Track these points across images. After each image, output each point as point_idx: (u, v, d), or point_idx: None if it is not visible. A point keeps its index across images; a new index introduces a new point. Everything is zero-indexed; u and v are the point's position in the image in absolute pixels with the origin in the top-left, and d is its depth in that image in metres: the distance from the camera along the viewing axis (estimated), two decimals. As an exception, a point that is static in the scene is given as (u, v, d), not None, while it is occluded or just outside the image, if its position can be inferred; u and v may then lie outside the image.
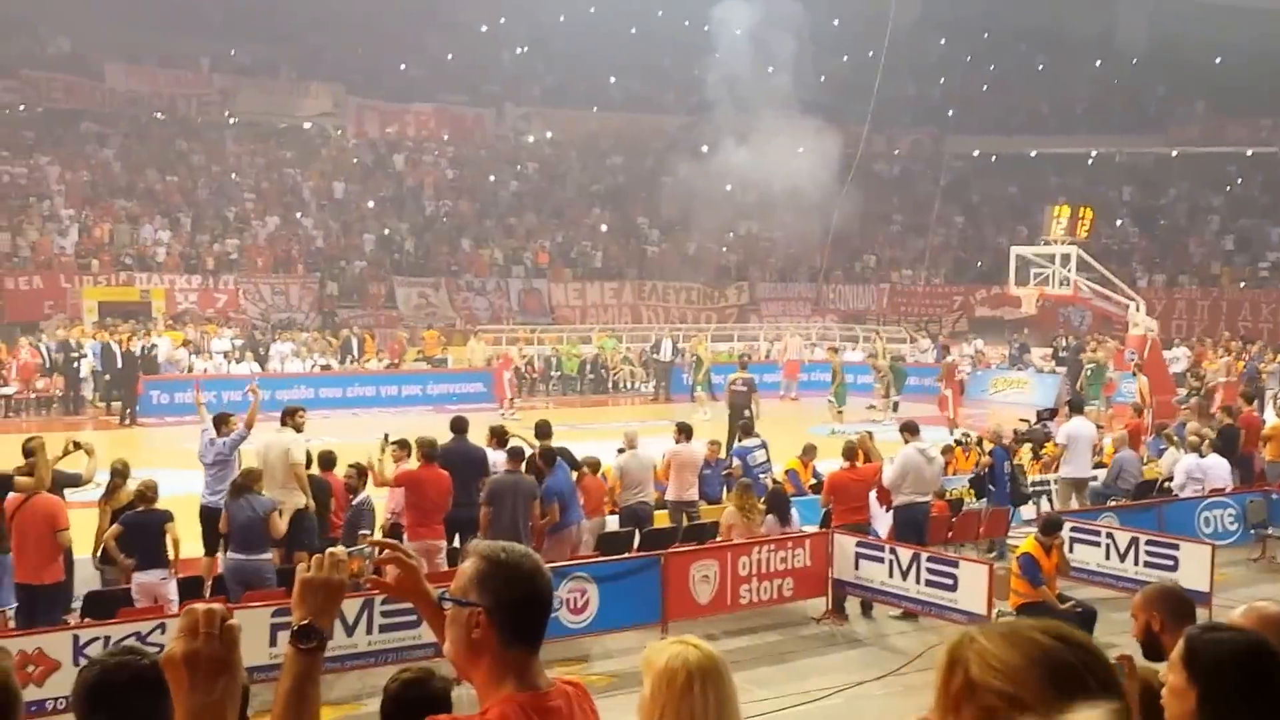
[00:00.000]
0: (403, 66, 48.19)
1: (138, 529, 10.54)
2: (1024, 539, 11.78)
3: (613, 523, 13.77)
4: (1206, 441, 16.65)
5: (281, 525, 11.09)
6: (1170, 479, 16.34)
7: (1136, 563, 12.75)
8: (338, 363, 31.34)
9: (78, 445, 11.81)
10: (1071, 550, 12.40)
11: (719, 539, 12.89)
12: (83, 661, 8.54)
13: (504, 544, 2.74)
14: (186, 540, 11.11)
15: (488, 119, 48.60)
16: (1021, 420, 20.72)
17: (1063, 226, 29.94)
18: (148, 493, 10.81)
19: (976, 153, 51.52)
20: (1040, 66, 52.66)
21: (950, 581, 11.45)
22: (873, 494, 13.33)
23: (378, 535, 11.45)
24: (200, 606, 1.90)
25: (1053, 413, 21.79)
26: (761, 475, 15.18)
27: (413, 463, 12.44)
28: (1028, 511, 15.67)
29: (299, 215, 40.82)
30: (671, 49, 43.75)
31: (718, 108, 37.13)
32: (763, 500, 13.40)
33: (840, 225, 41.67)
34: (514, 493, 11.89)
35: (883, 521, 13.35)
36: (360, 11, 44.09)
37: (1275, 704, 2.58)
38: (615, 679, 10.11)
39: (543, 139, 49.21)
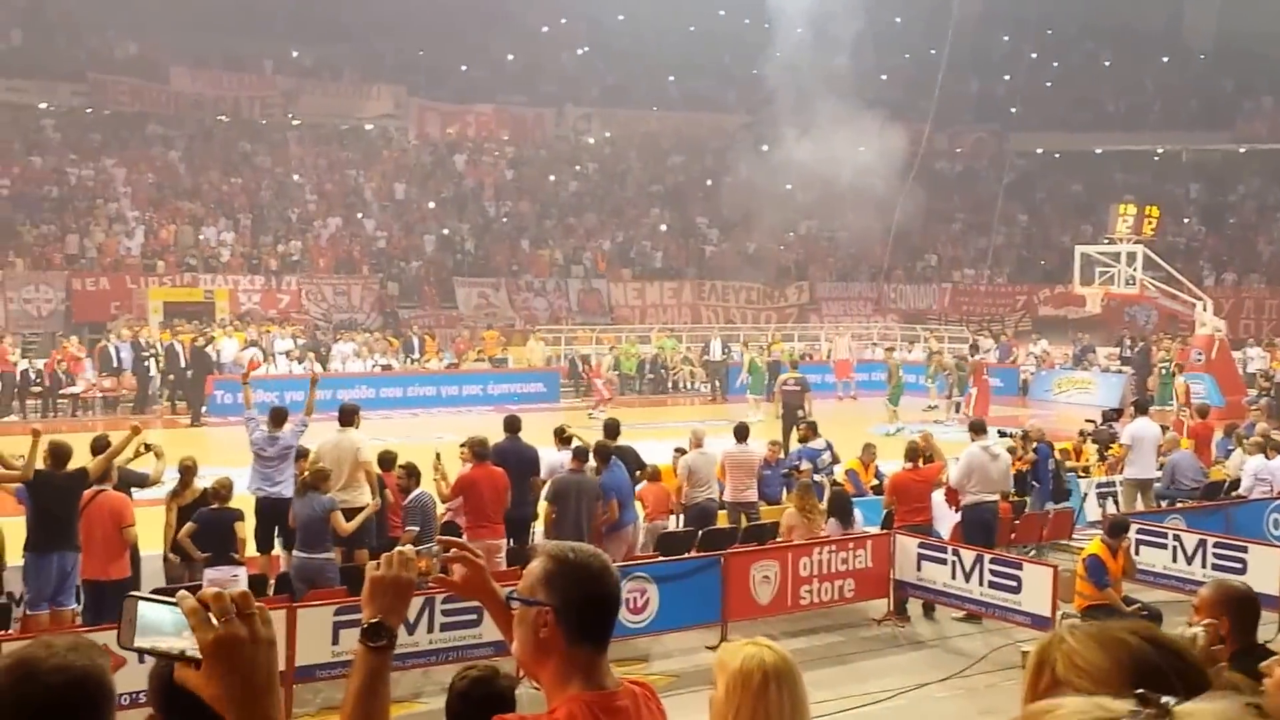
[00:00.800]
0: (464, 68, 48.48)
1: (211, 526, 10.72)
2: (1089, 541, 11.62)
3: (675, 522, 13.74)
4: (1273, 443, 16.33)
5: (345, 525, 11.14)
6: (1239, 480, 16.04)
7: (1204, 565, 12.51)
8: (398, 363, 31.57)
9: (149, 447, 12.00)
10: (1138, 552, 12.21)
11: (779, 540, 12.82)
12: (147, 658, 8.63)
13: (572, 543, 2.75)
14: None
15: (548, 119, 48.75)
16: (1088, 421, 20.43)
17: (1129, 225, 29.60)
18: (221, 490, 10.95)
19: (1040, 150, 50.93)
20: (1106, 63, 51.91)
21: (1014, 583, 11.30)
22: (937, 495, 13.21)
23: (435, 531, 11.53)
24: (210, 591, 1.88)
25: (1118, 413, 21.48)
26: (825, 477, 15.09)
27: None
28: (1093, 513, 15.47)
29: (360, 216, 41.18)
30: (731, 47, 43.63)
31: (778, 106, 36.99)
32: (824, 503, 13.32)
33: (902, 224, 41.41)
34: (578, 492, 11.90)
35: (946, 523, 13.21)
36: (422, 13, 44.36)
37: None
38: (675, 679, 10.09)
39: (602, 139, 49.29)
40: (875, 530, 13.24)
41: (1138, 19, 49.17)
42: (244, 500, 12.06)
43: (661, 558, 11.94)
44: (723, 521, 13.86)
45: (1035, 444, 15.34)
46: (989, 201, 47.58)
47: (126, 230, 36.19)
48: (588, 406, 28.43)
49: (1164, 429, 18.54)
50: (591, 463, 12.38)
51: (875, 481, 15.65)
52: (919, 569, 12.11)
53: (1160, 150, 49.83)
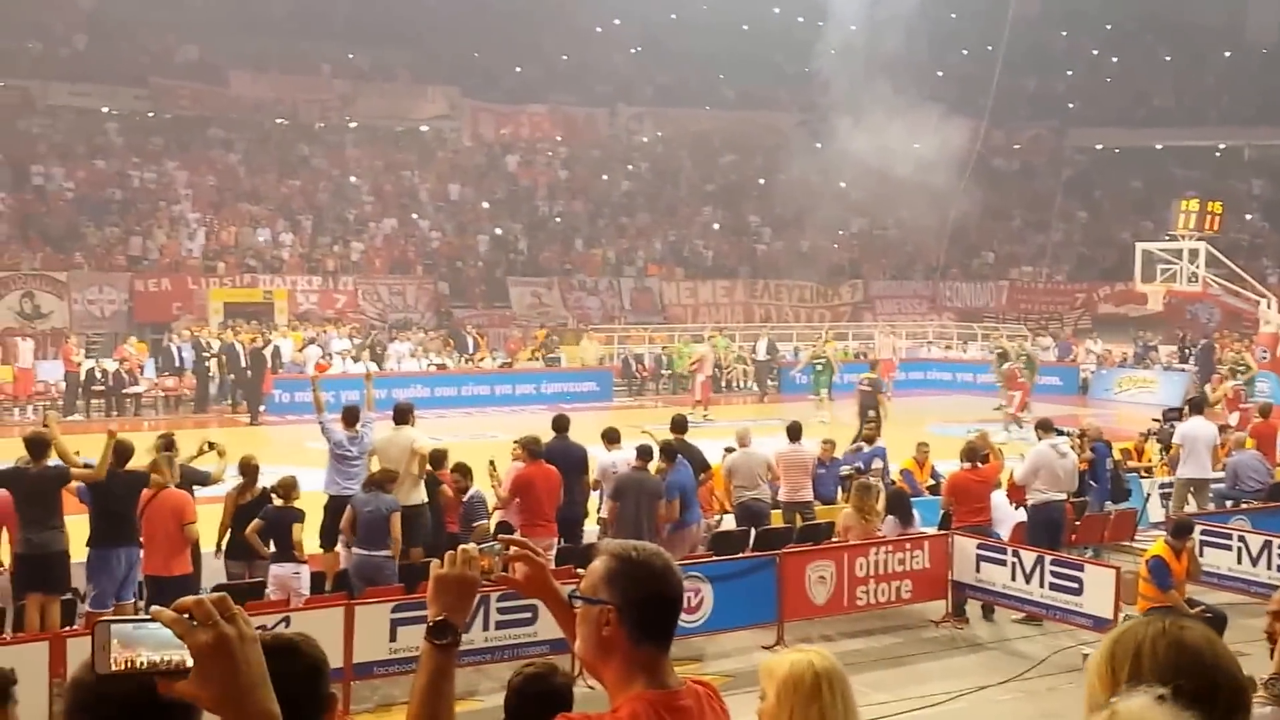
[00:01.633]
0: (517, 69, 48.68)
1: (275, 523, 10.87)
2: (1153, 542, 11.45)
3: (727, 522, 13.71)
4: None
5: (398, 531, 11.18)
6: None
7: (1269, 567, 12.30)
8: (453, 362, 31.74)
9: (211, 446, 12.15)
10: (1202, 553, 12.01)
11: (835, 539, 12.75)
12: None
13: (635, 542, 2.74)
14: (308, 536, 11.31)
15: (600, 119, 48.85)
16: (1155, 420, 20.12)
17: (1191, 221, 29.17)
18: (283, 489, 11.06)
19: (1100, 146, 50.30)
20: (1166, 58, 51.19)
21: (1075, 585, 11.15)
22: (997, 495, 13.07)
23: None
24: (188, 600, 1.89)
25: (1179, 412, 21.16)
26: (877, 478, 14.98)
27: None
28: (1156, 514, 15.25)
29: (416, 217, 41.45)
30: (784, 45, 43.46)
31: (831, 103, 36.80)
32: (880, 503, 13.22)
33: (958, 221, 41.08)
34: (639, 491, 11.90)
35: (1006, 524, 13.07)
36: (476, 15, 44.61)
37: None
38: (730, 679, 10.04)
39: (655, 138, 49.30)
40: (932, 531, 13.12)
41: (1198, 13, 48.45)
42: (312, 498, 12.19)
43: (716, 557, 11.91)
44: (778, 521, 13.80)
45: (1093, 443, 15.12)
46: (1047, 198, 47.07)
47: (188, 232, 36.66)
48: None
49: (1223, 428, 18.28)
50: (656, 462, 12.39)
51: (931, 481, 15.53)
52: (978, 570, 11.99)
53: (1222, 146, 49.06)
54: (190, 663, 1.82)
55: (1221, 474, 16.00)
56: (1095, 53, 51.22)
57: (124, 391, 27.44)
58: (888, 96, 34.05)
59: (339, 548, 11.97)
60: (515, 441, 12.66)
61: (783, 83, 47.53)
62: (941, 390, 31.01)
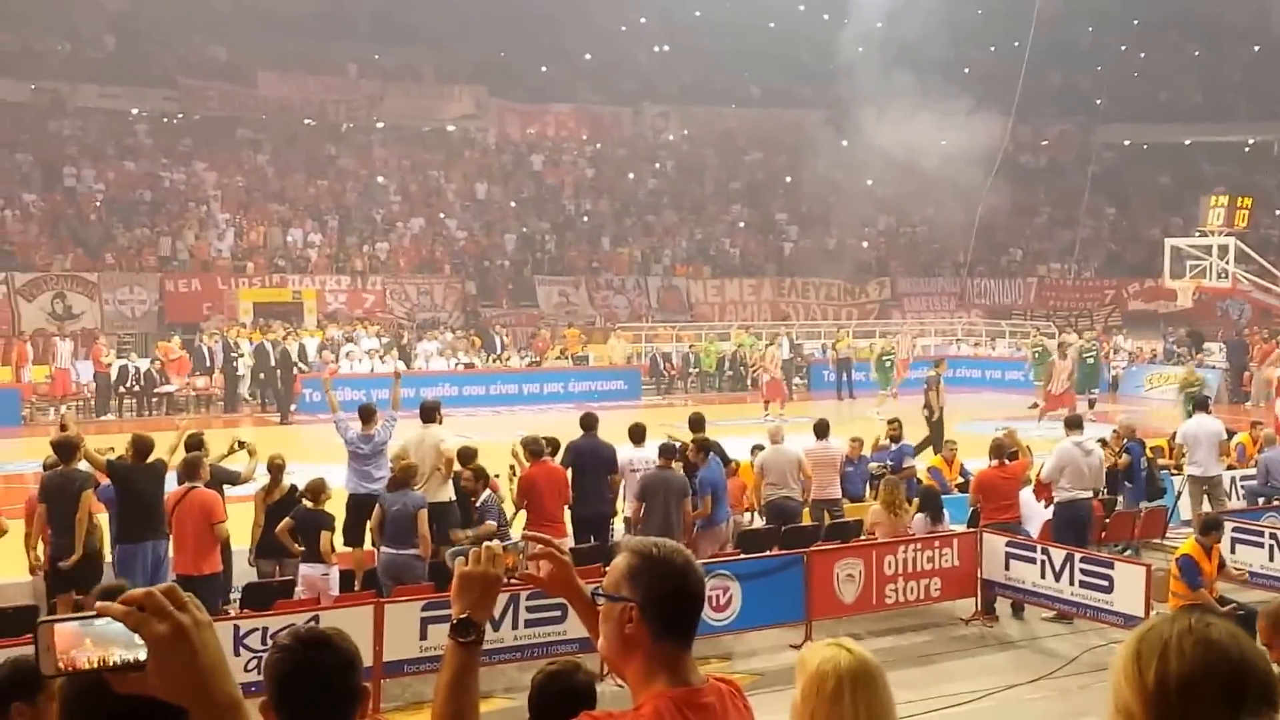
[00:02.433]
0: (543, 68, 48.75)
1: (306, 524, 10.93)
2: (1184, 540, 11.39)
3: (756, 520, 13.69)
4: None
5: (426, 529, 11.24)
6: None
7: (1302, 565, 12.22)
8: (481, 361, 31.83)
9: (242, 444, 12.23)
10: (1233, 551, 11.95)
11: (864, 537, 12.72)
12: (242, 651, 8.81)
13: (656, 539, 2.74)
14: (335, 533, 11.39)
15: (626, 118, 48.86)
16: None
17: (1220, 217, 28.95)
18: (314, 491, 11.12)
19: (1127, 142, 49.96)
20: (1194, 53, 50.79)
21: (1106, 583, 11.09)
22: (1025, 492, 13.01)
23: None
24: (136, 592, 1.88)
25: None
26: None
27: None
28: (1187, 512, 15.14)
29: (443, 216, 41.57)
30: (810, 43, 43.36)
31: (857, 100, 36.72)
32: (911, 500, 13.19)
33: (985, 218, 40.87)
34: (665, 489, 11.90)
35: (1035, 521, 13.01)
36: (501, 15, 44.71)
37: None
38: (759, 677, 10.05)
39: (680, 136, 49.27)
40: (961, 528, 13.07)
41: (1225, 8, 48.02)
42: (336, 496, 12.26)
43: (744, 555, 11.90)
44: (805, 519, 13.78)
45: (1127, 443, 15.02)
46: (1075, 194, 46.78)
47: (217, 232, 36.89)
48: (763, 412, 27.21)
49: (1254, 425, 18.12)
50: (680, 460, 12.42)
51: (960, 479, 15.47)
52: (1007, 568, 11.94)
53: (1251, 141, 48.65)
54: (143, 656, 1.76)
55: (1227, 471, 15.90)
56: (1122, 48, 50.85)
57: (155, 390, 27.63)
58: (914, 93, 33.96)
59: (369, 546, 12.04)
60: (520, 443, 12.70)
61: (808, 80, 47.43)
62: (970, 388, 30.84)
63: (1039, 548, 11.92)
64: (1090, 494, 12.85)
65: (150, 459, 10.74)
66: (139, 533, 10.48)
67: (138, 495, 10.56)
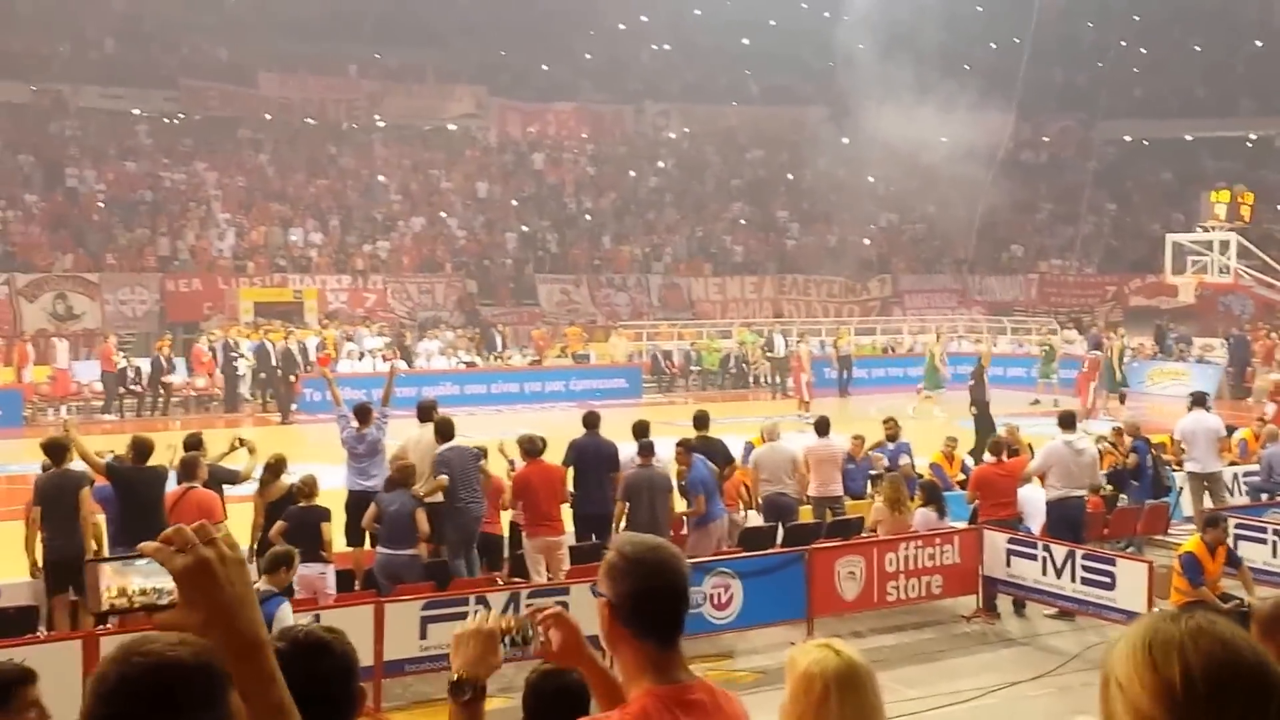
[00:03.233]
0: (544, 67, 48.73)
1: (300, 523, 10.86)
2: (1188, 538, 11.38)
3: (755, 518, 13.68)
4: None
5: (425, 526, 11.24)
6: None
7: (1305, 561, 12.20)
8: (482, 360, 31.82)
9: (243, 443, 12.21)
10: (1236, 547, 11.91)
11: (865, 534, 12.70)
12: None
13: (639, 536, 2.76)
14: (335, 532, 11.36)
15: (627, 116, 48.85)
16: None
17: (1222, 212, 28.91)
18: (306, 488, 11.11)
19: (1129, 138, 49.91)
20: (1196, 48, 50.70)
21: (1108, 579, 11.06)
22: (1025, 489, 12.97)
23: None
24: (169, 530, 1.92)
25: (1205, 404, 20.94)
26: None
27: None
28: (1189, 508, 15.12)
29: (444, 215, 41.57)
30: (811, 40, 43.33)
31: (858, 98, 36.69)
32: (916, 495, 13.16)
33: (986, 215, 40.86)
34: (649, 487, 11.89)
35: (1036, 519, 12.97)
36: (502, 14, 44.70)
37: None
38: (761, 675, 10.04)
39: (682, 134, 49.25)
40: (962, 525, 13.05)
41: (1227, 2, 47.97)
42: (337, 495, 12.26)
43: (745, 553, 11.88)
44: (807, 517, 13.76)
45: (1133, 441, 14.97)
46: (1076, 190, 46.76)
47: (218, 232, 36.88)
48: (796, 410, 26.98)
49: (1260, 420, 18.09)
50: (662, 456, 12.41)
51: (961, 475, 15.45)
52: (1008, 565, 11.92)
53: (1253, 136, 48.58)
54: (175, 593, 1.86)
55: (1226, 467, 15.87)
56: (1123, 44, 50.79)
57: (163, 380, 27.52)
58: (914, 90, 33.94)
59: (366, 545, 12.04)
60: (516, 441, 12.68)
61: (809, 78, 47.42)
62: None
63: (1040, 544, 11.89)
64: (1082, 492, 12.78)
65: (151, 461, 10.72)
66: (138, 535, 10.41)
67: (137, 498, 10.51)
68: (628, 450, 12.97)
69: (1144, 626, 1.79)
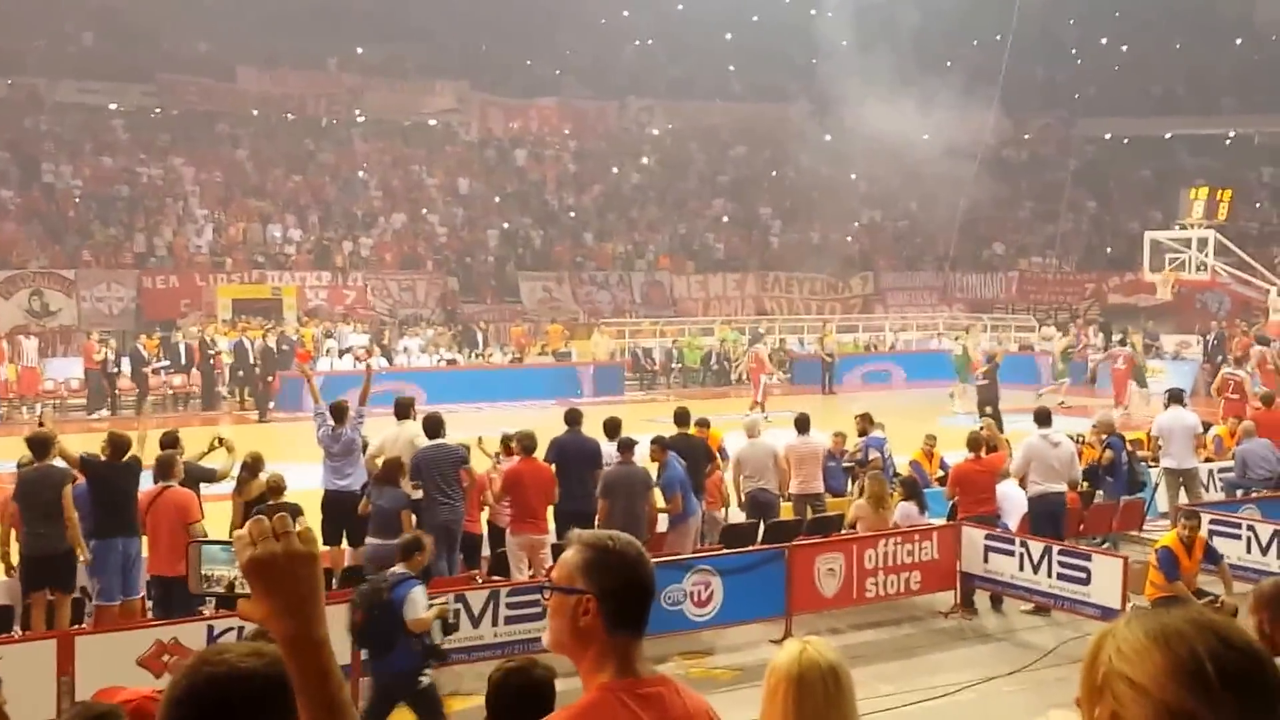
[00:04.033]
0: (527, 62, 48.65)
1: None
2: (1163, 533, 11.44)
3: (737, 515, 13.69)
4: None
5: (410, 525, 11.22)
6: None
7: (1279, 557, 12.28)
8: (464, 357, 31.74)
9: (221, 441, 12.16)
10: (1210, 542, 11.97)
11: (845, 531, 12.73)
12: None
13: (609, 532, 2.77)
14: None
15: (610, 112, 48.81)
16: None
17: (1200, 210, 29.01)
18: (275, 486, 11.07)
19: (1109, 135, 50.15)
20: (1176, 46, 50.93)
21: (1083, 575, 11.13)
22: (1003, 485, 13.02)
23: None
24: (251, 520, 1.99)
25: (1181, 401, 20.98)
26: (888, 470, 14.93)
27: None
28: (1163, 504, 15.20)
29: (425, 212, 41.47)
30: (795, 37, 43.37)
31: (841, 95, 36.72)
32: (894, 490, 13.18)
33: (967, 212, 40.95)
34: (628, 484, 11.90)
35: (1014, 515, 13.02)
36: (484, 9, 44.62)
37: None
38: (740, 673, 10.06)
39: (665, 131, 49.23)
40: (941, 521, 13.08)
41: (1210, 1, 48.21)
42: (319, 495, 12.22)
43: (726, 550, 11.90)
44: (787, 514, 13.78)
45: (1108, 438, 15.03)
46: (1056, 188, 46.93)
47: (195, 228, 36.74)
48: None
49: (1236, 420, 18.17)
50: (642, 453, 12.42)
51: (940, 472, 15.47)
52: (986, 561, 11.96)
53: (1232, 134, 48.84)
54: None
55: (1204, 463, 15.95)
56: (1104, 41, 51.01)
57: (145, 370, 27.24)
58: (897, 87, 33.99)
59: (344, 545, 12.01)
60: (508, 436, 12.63)
61: (793, 75, 47.46)
62: (952, 381, 30.85)
63: (1017, 541, 11.94)
64: (1063, 487, 12.85)
65: (126, 457, 10.67)
66: (112, 529, 10.39)
67: (112, 493, 10.47)
68: (608, 448, 12.98)
69: (1143, 623, 1.74)
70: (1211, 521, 12.44)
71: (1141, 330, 35.08)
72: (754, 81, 50.22)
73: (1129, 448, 15.52)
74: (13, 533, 10.67)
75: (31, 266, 32.74)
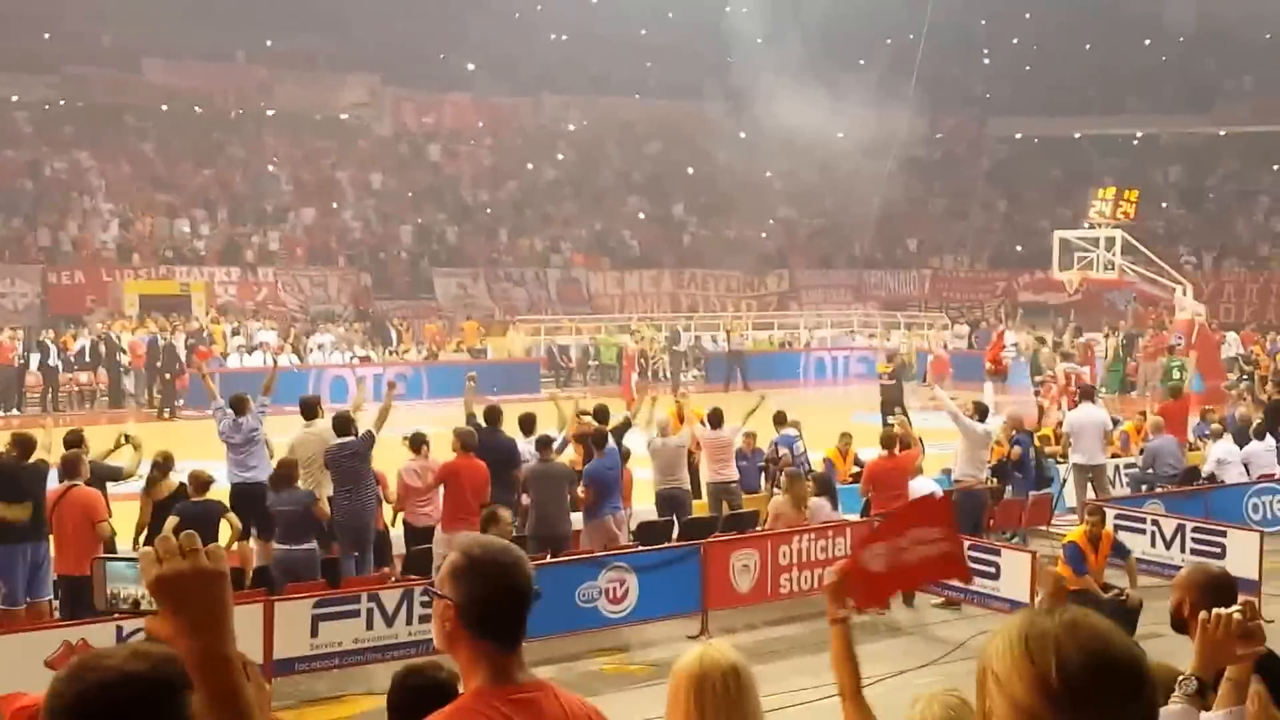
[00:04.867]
0: (441, 56, 48.23)
1: (194, 519, 10.40)
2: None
3: (650, 512, 13.67)
4: (1253, 425, 16.44)
5: (326, 510, 11.15)
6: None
7: (1183, 550, 12.54)
8: (377, 355, 31.42)
9: (128, 439, 11.91)
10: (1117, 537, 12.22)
11: (760, 528, 12.78)
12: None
13: (483, 537, 2.80)
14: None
15: (525, 108, 48.60)
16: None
17: (1107, 209, 29.56)
18: (199, 482, 10.82)
19: (1019, 135, 51.00)
20: (1086, 46, 51.88)
21: (993, 569, 11.31)
22: (916, 482, 13.15)
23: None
24: (159, 538, 1.94)
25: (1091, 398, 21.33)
26: (799, 466, 14.99)
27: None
28: (1071, 499, 15.47)
29: (336, 207, 40.99)
30: (711, 35, 43.51)
31: (756, 93, 36.90)
32: (809, 481, 13.25)
33: (881, 211, 41.39)
34: (546, 480, 11.86)
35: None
36: (396, 1, 44.13)
37: None
38: (655, 669, 10.06)
39: (581, 126, 49.11)
40: (854, 518, 13.20)
41: (1117, 2, 49.15)
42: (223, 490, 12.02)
43: (641, 547, 11.90)
44: (701, 509, 13.81)
45: (1016, 434, 15.27)
46: (968, 187, 47.62)
47: (101, 223, 35.98)
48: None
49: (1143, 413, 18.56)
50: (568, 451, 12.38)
51: (855, 469, 15.58)
52: (898, 556, 12.08)
53: (1139, 134, 49.92)
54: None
55: (1111, 459, 16.27)
56: (1015, 41, 51.83)
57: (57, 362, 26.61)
58: (811, 85, 34.21)
59: (252, 543, 11.83)
60: (419, 436, 12.53)
61: (708, 72, 47.56)
62: (867, 379, 31.19)
63: (929, 536, 12.07)
64: (983, 475, 13.18)
65: (32, 458, 10.43)
66: (17, 534, 10.14)
67: (18, 495, 10.22)
68: (525, 446, 12.94)
69: (1019, 621, 1.84)
70: (1117, 517, 12.70)
71: (1050, 327, 35.72)
72: (669, 78, 50.25)
73: (1036, 444, 15.82)
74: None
75: (-70, 262, 31.88)
